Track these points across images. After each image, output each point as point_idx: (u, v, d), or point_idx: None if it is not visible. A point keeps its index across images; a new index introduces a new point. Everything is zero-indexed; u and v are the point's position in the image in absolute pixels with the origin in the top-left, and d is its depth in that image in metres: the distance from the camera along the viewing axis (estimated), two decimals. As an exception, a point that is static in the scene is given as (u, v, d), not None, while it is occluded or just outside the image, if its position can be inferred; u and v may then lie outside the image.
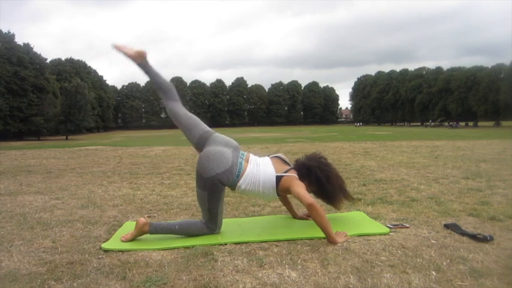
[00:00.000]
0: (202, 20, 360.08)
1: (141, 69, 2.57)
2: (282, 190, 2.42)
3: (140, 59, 2.53)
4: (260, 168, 2.43)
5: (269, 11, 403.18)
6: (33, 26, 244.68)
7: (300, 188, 2.33)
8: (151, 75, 2.58)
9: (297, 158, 2.66)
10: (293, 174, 2.43)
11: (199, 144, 2.46)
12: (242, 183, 2.38)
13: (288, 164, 2.55)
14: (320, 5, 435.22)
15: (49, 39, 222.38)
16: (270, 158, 2.57)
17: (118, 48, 2.55)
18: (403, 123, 70.96)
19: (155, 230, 2.32)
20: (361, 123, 72.52)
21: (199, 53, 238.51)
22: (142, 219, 2.30)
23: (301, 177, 2.44)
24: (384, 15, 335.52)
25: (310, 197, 2.27)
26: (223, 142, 2.44)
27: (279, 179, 2.39)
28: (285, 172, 2.43)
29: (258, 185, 2.39)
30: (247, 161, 2.45)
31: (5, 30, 37.82)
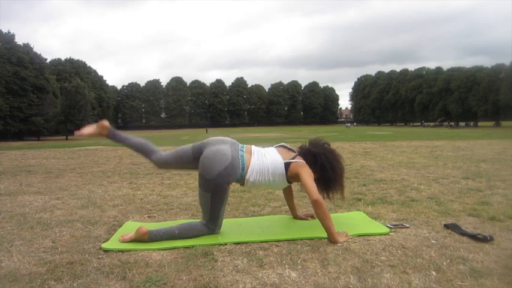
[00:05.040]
0: (212, 21, 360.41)
1: (112, 139, 2.60)
2: (291, 177, 2.41)
3: (105, 131, 2.55)
4: (266, 158, 2.42)
5: (280, 11, 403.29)
6: (44, 26, 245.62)
7: (309, 177, 2.32)
8: (124, 141, 2.60)
9: (300, 144, 2.64)
10: (301, 160, 2.43)
11: (196, 156, 2.42)
12: (250, 175, 2.37)
13: (294, 151, 2.54)
14: (331, 4, 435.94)
15: (58, 40, 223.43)
16: (275, 147, 2.57)
17: (80, 135, 2.60)
18: (403, 123, 70.93)
19: (155, 237, 2.28)
20: (354, 124, 71.43)
21: (207, 53, 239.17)
22: (143, 228, 2.26)
23: (308, 164, 2.43)
24: (390, 16, 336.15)
25: (317, 192, 2.26)
26: (218, 141, 2.44)
27: (287, 166, 2.39)
28: (292, 159, 2.42)
29: (267, 175, 2.38)
30: (249, 153, 2.44)
31: (5, 31, 37.90)
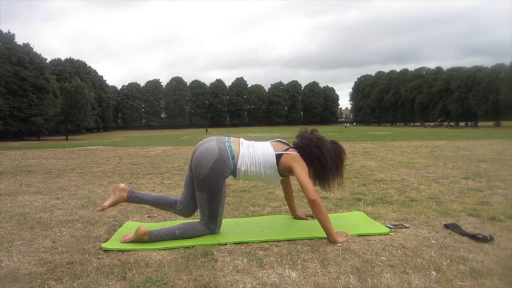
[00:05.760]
0: (214, 21, 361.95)
1: (133, 202, 2.52)
2: (283, 169, 2.37)
3: (125, 195, 2.47)
4: (257, 149, 2.40)
5: (282, 11, 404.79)
6: (46, 27, 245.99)
7: (303, 174, 2.29)
8: (145, 201, 2.52)
9: (294, 140, 2.57)
10: (294, 152, 2.39)
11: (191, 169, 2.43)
12: (241, 165, 2.34)
13: (288, 145, 2.50)
14: (333, 4, 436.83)
15: (60, 40, 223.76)
16: (270, 142, 2.54)
17: (102, 208, 2.46)
18: (403, 123, 70.94)
19: (155, 237, 2.28)
20: (354, 123, 71.48)
21: (208, 53, 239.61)
22: (142, 229, 2.26)
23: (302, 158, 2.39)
24: (391, 16, 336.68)
25: (314, 192, 2.24)
26: (203, 141, 2.45)
27: (278, 157, 2.36)
28: (285, 151, 2.39)
29: (258, 166, 2.36)
30: (237, 143, 2.42)
31: (6, 30, 37.96)
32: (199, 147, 2.40)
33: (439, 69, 62.71)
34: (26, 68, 37.11)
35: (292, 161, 2.35)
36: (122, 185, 2.49)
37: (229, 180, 2.44)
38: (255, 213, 3.03)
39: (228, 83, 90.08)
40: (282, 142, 2.54)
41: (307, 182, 2.28)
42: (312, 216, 2.73)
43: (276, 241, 2.25)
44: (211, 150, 2.32)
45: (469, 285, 1.63)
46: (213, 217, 2.35)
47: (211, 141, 2.41)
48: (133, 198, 2.49)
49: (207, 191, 2.29)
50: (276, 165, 2.37)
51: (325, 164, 2.39)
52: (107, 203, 2.44)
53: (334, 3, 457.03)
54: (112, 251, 2.13)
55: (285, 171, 2.41)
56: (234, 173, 2.39)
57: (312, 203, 2.22)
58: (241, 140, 2.50)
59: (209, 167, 2.27)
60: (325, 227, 2.23)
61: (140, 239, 2.26)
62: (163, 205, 2.53)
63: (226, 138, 2.46)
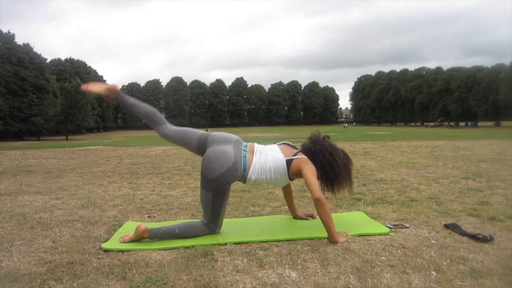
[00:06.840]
0: (215, 21, 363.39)
1: (119, 103, 2.59)
2: (293, 173, 2.40)
3: (114, 94, 2.53)
4: (268, 156, 2.41)
5: (283, 11, 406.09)
6: (48, 27, 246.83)
7: (311, 174, 2.31)
8: (131, 106, 2.59)
9: (302, 142, 2.60)
10: (303, 156, 2.41)
11: (201, 149, 2.45)
12: (251, 174, 2.36)
13: (296, 148, 2.53)
14: (333, 5, 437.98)
15: (62, 40, 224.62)
16: (277, 145, 2.56)
17: (88, 90, 2.52)
18: (403, 123, 70.96)
19: (155, 235, 2.29)
20: (354, 123, 71.55)
21: (209, 53, 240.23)
22: (142, 226, 2.27)
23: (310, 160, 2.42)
24: (392, 16, 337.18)
25: (319, 191, 2.26)
26: (222, 140, 2.42)
27: (289, 163, 2.38)
28: (294, 155, 2.41)
29: (269, 172, 2.37)
30: (251, 152, 2.43)
31: (6, 30, 37.99)
32: (216, 146, 2.37)
33: (439, 69, 62.73)
34: (26, 68, 37.11)
35: (301, 164, 2.37)
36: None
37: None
38: (255, 213, 3.04)
39: (228, 83, 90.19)
40: (290, 145, 2.56)
41: (314, 180, 2.29)
42: (312, 216, 2.73)
43: (276, 241, 2.25)
44: (227, 157, 2.31)
45: (469, 285, 1.63)
46: (216, 216, 2.35)
47: (229, 144, 2.39)
48: (121, 100, 2.55)
49: (213, 192, 2.30)
50: (286, 171, 2.39)
51: (337, 170, 2.43)
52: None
53: (335, 3, 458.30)
54: (112, 251, 2.13)
55: (294, 175, 2.43)
56: (242, 180, 2.40)
57: (317, 202, 2.23)
58: (255, 147, 2.49)
59: (221, 171, 2.27)
60: (327, 226, 2.23)
61: (140, 236, 2.26)
62: (149, 119, 2.59)
63: (243, 145, 2.45)
